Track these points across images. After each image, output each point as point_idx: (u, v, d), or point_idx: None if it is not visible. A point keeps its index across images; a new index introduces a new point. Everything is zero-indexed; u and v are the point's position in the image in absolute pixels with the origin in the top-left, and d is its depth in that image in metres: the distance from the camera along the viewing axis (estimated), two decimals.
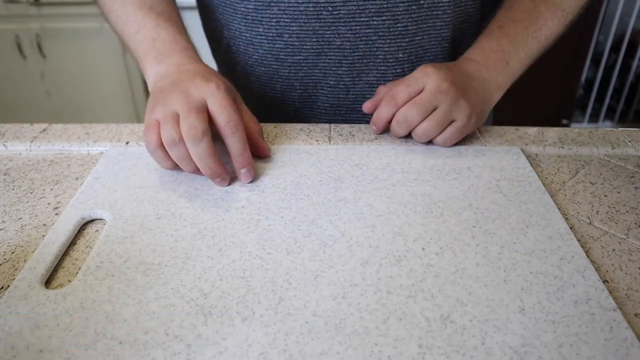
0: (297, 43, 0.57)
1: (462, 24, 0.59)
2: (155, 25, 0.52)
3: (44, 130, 0.55)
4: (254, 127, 0.50)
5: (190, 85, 0.46)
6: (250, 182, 0.46)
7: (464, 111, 0.49)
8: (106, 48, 1.73)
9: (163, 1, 0.56)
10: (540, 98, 1.89)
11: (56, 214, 0.43)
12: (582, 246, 0.38)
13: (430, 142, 0.52)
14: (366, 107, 0.54)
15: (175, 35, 0.52)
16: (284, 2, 0.54)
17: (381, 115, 0.51)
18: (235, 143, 0.45)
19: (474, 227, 0.40)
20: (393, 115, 0.51)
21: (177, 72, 0.49)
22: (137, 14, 0.53)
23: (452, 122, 0.50)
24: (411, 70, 0.59)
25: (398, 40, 0.56)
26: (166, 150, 0.45)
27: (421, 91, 0.49)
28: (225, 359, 0.30)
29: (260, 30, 0.57)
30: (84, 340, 0.31)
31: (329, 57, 0.57)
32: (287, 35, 0.56)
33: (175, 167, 0.46)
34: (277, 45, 0.58)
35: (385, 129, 0.53)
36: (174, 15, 0.56)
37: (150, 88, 0.51)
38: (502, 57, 0.53)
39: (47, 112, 1.86)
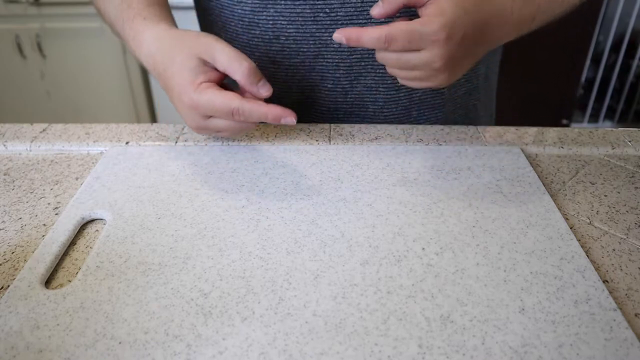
0: (294, 46, 0.56)
1: None
2: (126, 7, 0.51)
3: (44, 130, 0.55)
4: (240, 78, 0.47)
5: (175, 100, 0.48)
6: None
7: (435, 81, 0.45)
8: (106, 48, 1.73)
9: None
10: (540, 98, 1.88)
11: (56, 214, 0.43)
12: (582, 246, 0.38)
13: (429, 142, 0.52)
14: (374, 12, 0.46)
15: (141, 12, 0.50)
16: (281, 4, 0.54)
17: (363, 38, 0.44)
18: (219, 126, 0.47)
19: (474, 227, 0.40)
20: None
21: (153, 71, 0.50)
22: (117, 8, 0.52)
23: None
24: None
25: None
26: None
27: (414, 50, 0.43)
28: (225, 359, 0.30)
29: (257, 32, 0.57)
30: (84, 340, 0.31)
31: (326, 60, 0.57)
32: (283, 38, 0.56)
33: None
34: (273, 48, 0.57)
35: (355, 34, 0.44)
36: None
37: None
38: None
39: (47, 112, 1.86)
